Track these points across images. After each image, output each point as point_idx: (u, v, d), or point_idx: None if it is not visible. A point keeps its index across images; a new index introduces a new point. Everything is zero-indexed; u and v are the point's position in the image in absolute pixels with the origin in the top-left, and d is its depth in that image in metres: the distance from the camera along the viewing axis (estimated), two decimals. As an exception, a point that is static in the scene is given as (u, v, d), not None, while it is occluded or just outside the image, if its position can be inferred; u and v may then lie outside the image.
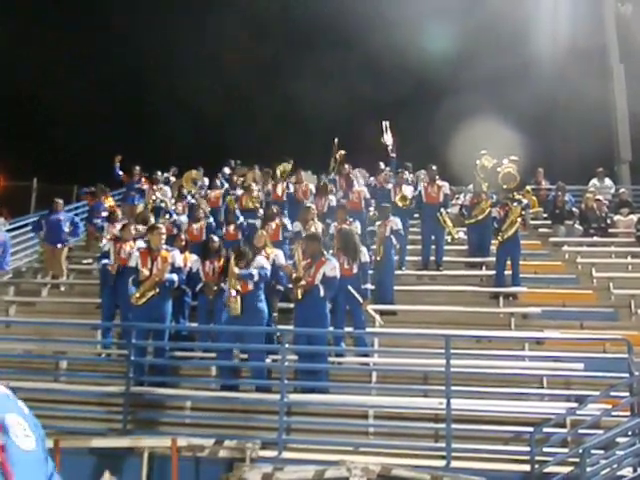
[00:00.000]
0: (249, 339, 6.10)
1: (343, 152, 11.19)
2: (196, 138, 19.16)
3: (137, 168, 12.03)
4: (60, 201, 10.04)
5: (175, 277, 6.44)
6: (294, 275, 6.11)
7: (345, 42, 18.96)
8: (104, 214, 10.11)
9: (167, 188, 11.92)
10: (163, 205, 10.06)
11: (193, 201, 10.15)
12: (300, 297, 6.06)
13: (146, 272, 6.35)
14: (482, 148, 10.14)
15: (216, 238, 7.31)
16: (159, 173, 12.22)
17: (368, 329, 6.83)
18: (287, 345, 5.57)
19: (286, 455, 5.07)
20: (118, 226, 8.56)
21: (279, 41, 19.52)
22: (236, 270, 6.15)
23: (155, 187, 11.41)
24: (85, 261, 10.57)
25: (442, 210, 8.98)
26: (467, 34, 17.17)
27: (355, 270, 6.74)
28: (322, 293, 6.09)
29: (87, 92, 18.08)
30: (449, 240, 9.26)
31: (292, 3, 19.43)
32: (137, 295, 6.30)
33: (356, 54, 18.82)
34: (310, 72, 17.63)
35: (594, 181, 12.62)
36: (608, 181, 12.87)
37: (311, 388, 5.87)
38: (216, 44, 18.81)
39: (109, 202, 10.60)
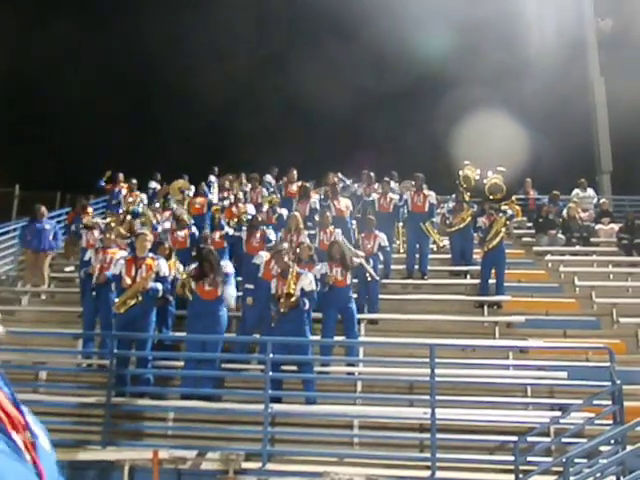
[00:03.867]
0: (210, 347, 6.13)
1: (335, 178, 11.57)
2: (197, 137, 19.01)
3: (121, 175, 11.90)
4: (43, 208, 9.89)
5: (159, 286, 6.34)
6: (285, 291, 6.09)
7: (349, 35, 18.85)
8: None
9: (144, 195, 11.77)
10: (141, 211, 9.90)
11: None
12: (285, 312, 6.05)
13: (129, 280, 6.26)
14: (478, 144, 10.25)
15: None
16: (134, 181, 12.11)
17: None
18: (271, 355, 5.51)
19: (270, 467, 5.02)
20: (96, 234, 8.47)
21: (283, 35, 19.35)
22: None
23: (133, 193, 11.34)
24: (67, 269, 10.39)
25: (426, 222, 9.04)
26: (465, 34, 17.30)
27: (348, 281, 6.82)
28: (303, 307, 6.10)
29: (71, 98, 17.88)
30: (434, 249, 9.30)
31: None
32: (119, 303, 6.21)
33: (360, 47, 18.73)
34: (314, 65, 17.51)
35: (577, 191, 12.81)
36: (591, 191, 13.06)
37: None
38: (219, 39, 18.59)
39: (87, 218, 10.26)
